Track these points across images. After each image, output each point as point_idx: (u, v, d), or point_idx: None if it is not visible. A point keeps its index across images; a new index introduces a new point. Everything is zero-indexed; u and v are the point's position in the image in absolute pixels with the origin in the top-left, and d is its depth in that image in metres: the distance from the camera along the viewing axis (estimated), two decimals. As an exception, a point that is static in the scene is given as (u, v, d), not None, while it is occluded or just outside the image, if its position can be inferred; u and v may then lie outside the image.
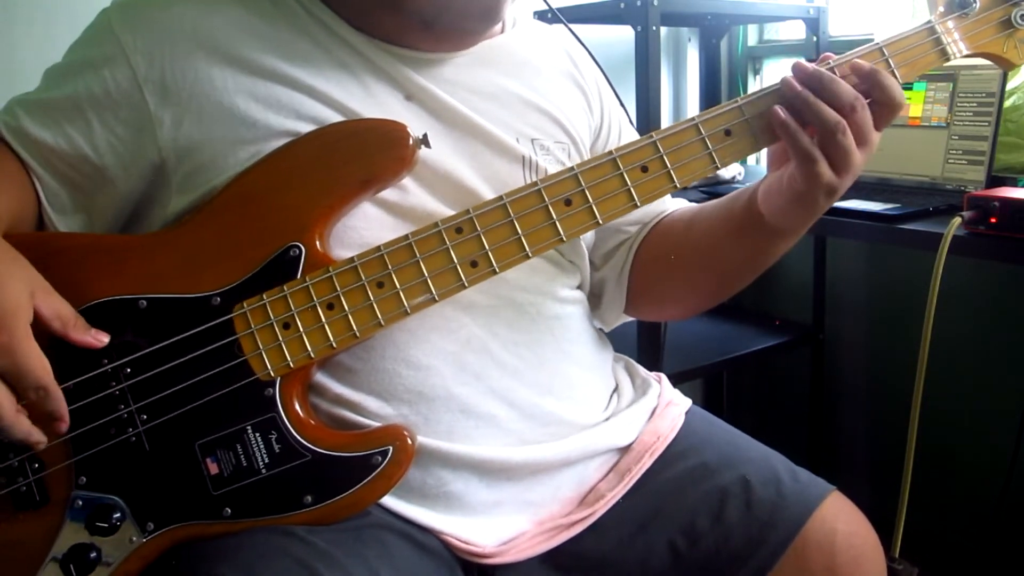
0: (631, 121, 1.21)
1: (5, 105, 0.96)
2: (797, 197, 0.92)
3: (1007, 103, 1.73)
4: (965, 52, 0.96)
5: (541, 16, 1.75)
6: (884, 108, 0.90)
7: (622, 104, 1.19)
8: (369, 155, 0.88)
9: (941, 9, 0.96)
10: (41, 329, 0.82)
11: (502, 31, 1.07)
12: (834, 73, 0.90)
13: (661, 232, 1.12)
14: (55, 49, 0.99)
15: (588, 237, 1.09)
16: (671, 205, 1.16)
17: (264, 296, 0.86)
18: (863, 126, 0.89)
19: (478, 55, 1.02)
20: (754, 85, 2.57)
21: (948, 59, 0.96)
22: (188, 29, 0.93)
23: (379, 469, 0.85)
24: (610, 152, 0.90)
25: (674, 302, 1.16)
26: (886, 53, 0.93)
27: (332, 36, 0.96)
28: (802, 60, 0.91)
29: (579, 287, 1.09)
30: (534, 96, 1.04)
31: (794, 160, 0.90)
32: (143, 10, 0.94)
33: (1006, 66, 0.99)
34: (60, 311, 0.84)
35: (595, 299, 1.15)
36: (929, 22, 0.96)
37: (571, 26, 1.18)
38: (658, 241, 1.11)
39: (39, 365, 0.81)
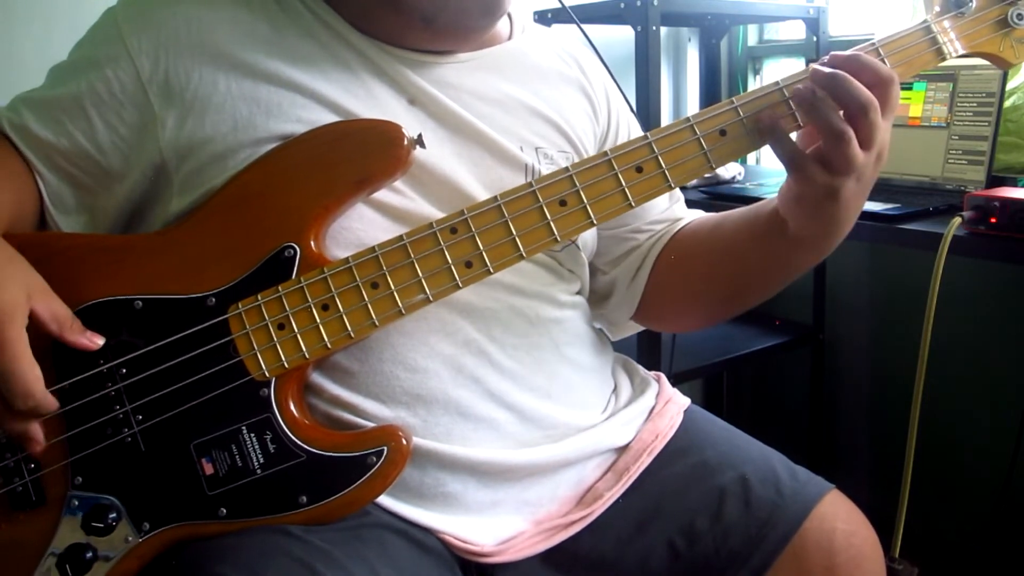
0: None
1: (9, 103, 0.96)
2: (797, 198, 0.92)
3: (1007, 103, 1.73)
4: (961, 51, 0.96)
5: (542, 16, 1.74)
6: (879, 90, 0.87)
7: (631, 108, 1.19)
8: (364, 155, 0.88)
9: (937, 8, 0.96)
10: (38, 330, 0.82)
11: (510, 37, 1.07)
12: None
13: (683, 238, 1.11)
14: (55, 48, 1.00)
15: (589, 247, 1.09)
16: (685, 215, 1.15)
17: (259, 297, 0.86)
18: (875, 128, 0.87)
19: (484, 60, 1.02)
20: (754, 85, 2.57)
21: (944, 58, 0.95)
22: (193, 31, 0.93)
23: (374, 469, 0.85)
24: (605, 153, 0.90)
25: (692, 312, 1.15)
26: (882, 53, 0.93)
27: (336, 38, 0.96)
28: (833, 51, 0.90)
29: (578, 292, 1.08)
30: (539, 104, 1.04)
31: (782, 163, 0.90)
32: (148, 11, 0.95)
33: (1002, 65, 0.99)
34: (57, 312, 0.84)
35: (602, 300, 1.15)
36: (925, 21, 0.95)
37: (581, 26, 1.17)
38: (680, 247, 1.11)
39: (30, 371, 0.80)
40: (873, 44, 0.93)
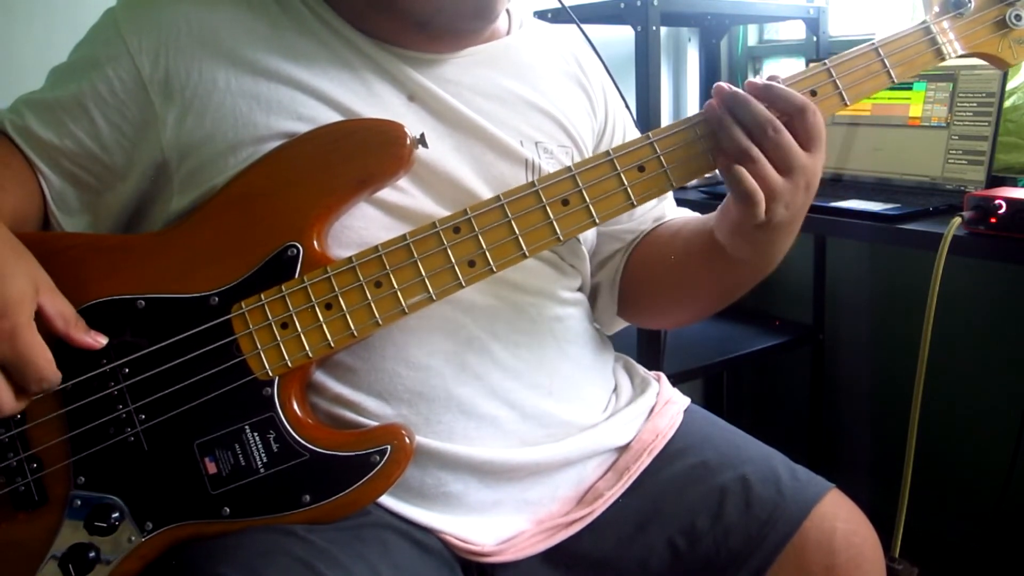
0: (635, 123, 1.20)
1: (11, 105, 0.97)
2: (731, 227, 0.93)
3: (1007, 103, 1.73)
4: (960, 52, 0.96)
5: (541, 16, 1.74)
6: (796, 121, 0.88)
7: (627, 106, 1.19)
8: (366, 155, 0.88)
9: (936, 9, 0.96)
10: (43, 327, 0.83)
11: (508, 32, 1.08)
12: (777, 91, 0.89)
13: (650, 242, 1.12)
14: (55, 49, 1.00)
15: (589, 242, 1.09)
16: (671, 213, 1.15)
17: (262, 296, 0.87)
18: (784, 150, 0.87)
19: (482, 56, 1.02)
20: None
21: (943, 59, 0.96)
22: (193, 29, 0.93)
23: (377, 468, 0.85)
24: (607, 152, 0.90)
25: (659, 313, 1.17)
26: (882, 53, 0.93)
27: (336, 36, 0.96)
28: (722, 83, 0.90)
29: (580, 289, 1.09)
30: (538, 98, 1.04)
31: (732, 196, 0.90)
32: (148, 10, 0.95)
33: (1001, 66, 1.00)
34: (63, 310, 0.84)
35: (592, 303, 1.15)
36: (924, 22, 0.96)
37: (580, 25, 1.18)
38: (647, 250, 1.12)
39: (41, 355, 0.81)
40: (873, 45, 0.94)
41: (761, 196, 0.87)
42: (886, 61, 0.93)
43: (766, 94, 0.89)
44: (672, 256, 1.07)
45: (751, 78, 0.90)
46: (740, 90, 0.88)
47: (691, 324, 1.18)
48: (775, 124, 0.87)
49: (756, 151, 0.86)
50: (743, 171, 0.87)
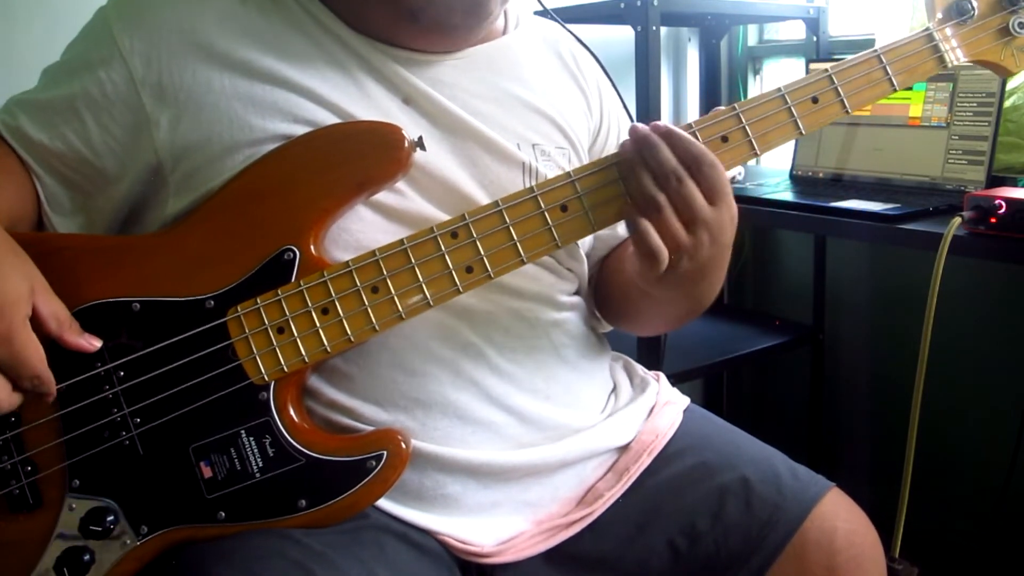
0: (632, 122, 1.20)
1: (4, 105, 0.96)
2: (638, 275, 0.92)
3: (1007, 103, 1.72)
4: (963, 59, 0.96)
5: (541, 16, 1.73)
6: (695, 173, 0.86)
7: (625, 105, 1.18)
8: (364, 157, 0.88)
9: (939, 16, 0.96)
10: (37, 328, 0.83)
11: (504, 32, 1.07)
12: (696, 137, 0.88)
13: (616, 254, 1.12)
14: (55, 48, 0.99)
15: (587, 245, 1.09)
16: None
17: (258, 300, 0.86)
18: (686, 200, 0.85)
19: (478, 57, 1.02)
20: (753, 85, 2.57)
21: (946, 66, 0.95)
22: (186, 30, 0.92)
23: (373, 473, 0.85)
24: (607, 158, 0.90)
25: (628, 322, 1.15)
26: (884, 60, 0.93)
27: (330, 36, 0.95)
28: (638, 124, 0.89)
29: (576, 292, 1.08)
30: (535, 99, 1.03)
31: (635, 249, 0.88)
32: (140, 10, 0.94)
33: (1004, 73, 0.99)
34: (57, 312, 0.84)
35: None
36: (927, 29, 0.95)
37: (568, 26, 1.17)
38: (611, 262, 1.12)
39: (35, 354, 0.82)
40: (875, 52, 0.93)
41: (664, 254, 0.85)
42: (888, 68, 0.92)
43: (668, 140, 0.87)
44: (622, 274, 1.07)
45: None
46: (652, 134, 0.87)
47: (665, 332, 1.17)
48: (679, 174, 0.85)
49: (663, 199, 0.85)
50: (649, 228, 0.86)
